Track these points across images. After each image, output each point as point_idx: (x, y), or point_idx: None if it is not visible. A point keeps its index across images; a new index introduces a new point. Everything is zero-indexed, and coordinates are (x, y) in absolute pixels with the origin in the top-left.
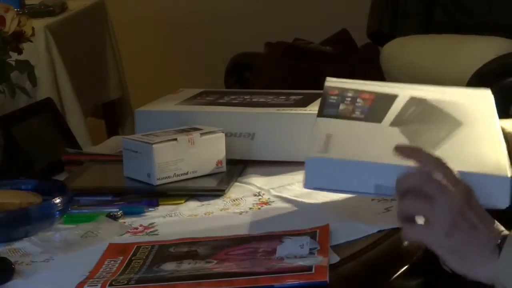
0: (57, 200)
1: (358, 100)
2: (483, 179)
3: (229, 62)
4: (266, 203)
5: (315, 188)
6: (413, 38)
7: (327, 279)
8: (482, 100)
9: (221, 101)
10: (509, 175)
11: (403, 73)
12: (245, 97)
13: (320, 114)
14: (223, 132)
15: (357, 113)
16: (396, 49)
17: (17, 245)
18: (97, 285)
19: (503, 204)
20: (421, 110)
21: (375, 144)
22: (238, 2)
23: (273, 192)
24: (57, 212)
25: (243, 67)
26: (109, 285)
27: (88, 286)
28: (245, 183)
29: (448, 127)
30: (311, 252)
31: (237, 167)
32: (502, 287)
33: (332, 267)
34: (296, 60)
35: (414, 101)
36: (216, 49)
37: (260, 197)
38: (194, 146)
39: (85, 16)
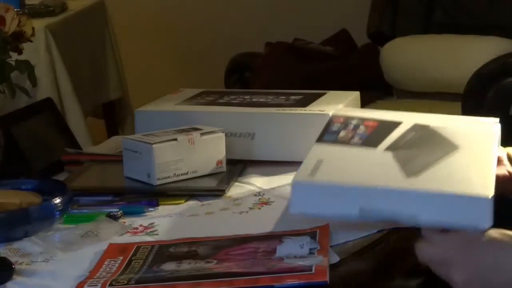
0: (57, 200)
1: (361, 127)
2: (465, 200)
3: (229, 62)
4: (266, 203)
5: (300, 213)
6: (413, 38)
7: (327, 279)
8: (487, 128)
9: (221, 101)
10: (489, 196)
11: (403, 73)
12: (245, 97)
13: (319, 139)
14: (223, 132)
15: (356, 139)
16: (396, 49)
17: (17, 245)
18: (97, 285)
19: (485, 225)
20: (420, 135)
21: (364, 168)
22: (238, 2)
23: (273, 192)
24: (57, 212)
25: (243, 67)
26: (109, 285)
27: (88, 286)
28: (245, 183)
29: (444, 150)
30: (311, 252)
31: (237, 167)
32: None
33: (332, 267)
34: (296, 60)
35: (416, 127)
36: (216, 49)
37: (260, 197)
38: (194, 146)
39: (85, 16)
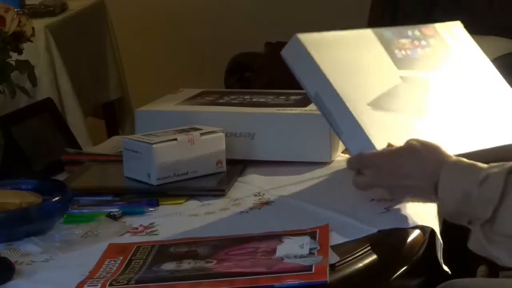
0: (57, 200)
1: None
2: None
3: (229, 62)
4: (266, 203)
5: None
6: None
7: (327, 279)
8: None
9: (221, 101)
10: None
11: None
12: (245, 97)
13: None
14: (223, 132)
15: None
16: None
17: (17, 245)
18: (97, 285)
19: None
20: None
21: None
22: (238, 2)
23: (273, 192)
24: (57, 212)
25: (243, 67)
26: (109, 285)
27: (88, 286)
28: (245, 183)
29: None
30: (311, 252)
31: (237, 167)
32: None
33: (332, 267)
34: None
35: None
36: (216, 49)
37: (260, 197)
38: (194, 146)
39: (85, 16)
